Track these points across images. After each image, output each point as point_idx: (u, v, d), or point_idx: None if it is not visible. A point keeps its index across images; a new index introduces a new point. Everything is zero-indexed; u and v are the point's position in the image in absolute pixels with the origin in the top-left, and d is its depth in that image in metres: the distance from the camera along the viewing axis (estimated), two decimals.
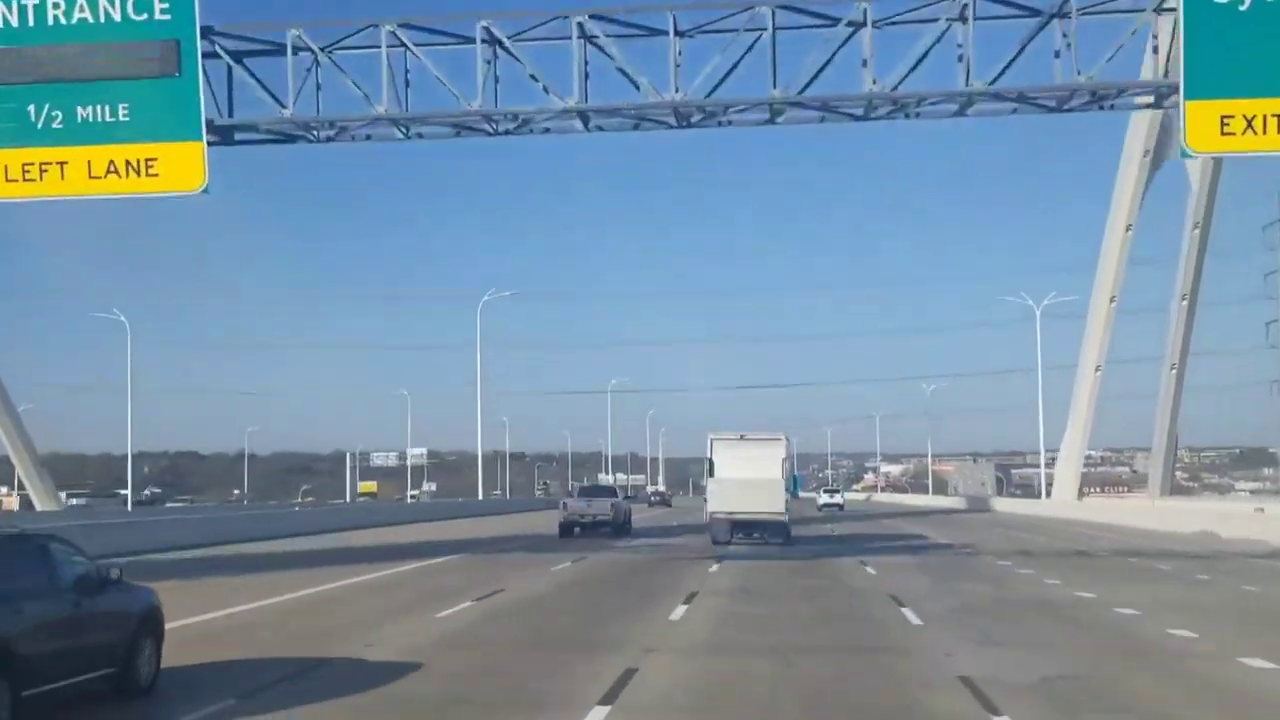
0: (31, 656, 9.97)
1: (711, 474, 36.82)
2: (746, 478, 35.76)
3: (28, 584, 10.41)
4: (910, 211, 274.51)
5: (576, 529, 44.16)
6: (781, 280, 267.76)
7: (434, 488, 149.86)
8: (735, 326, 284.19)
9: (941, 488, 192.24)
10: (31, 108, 26.47)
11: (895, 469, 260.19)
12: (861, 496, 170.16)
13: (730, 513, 36.59)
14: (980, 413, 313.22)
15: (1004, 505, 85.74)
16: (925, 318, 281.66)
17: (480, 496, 71.31)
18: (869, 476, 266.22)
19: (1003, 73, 27.29)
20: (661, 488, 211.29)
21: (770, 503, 36.29)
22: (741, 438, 37.65)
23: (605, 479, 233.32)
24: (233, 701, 11.80)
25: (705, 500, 39.24)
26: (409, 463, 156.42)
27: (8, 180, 26.97)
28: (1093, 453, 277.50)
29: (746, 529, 37.23)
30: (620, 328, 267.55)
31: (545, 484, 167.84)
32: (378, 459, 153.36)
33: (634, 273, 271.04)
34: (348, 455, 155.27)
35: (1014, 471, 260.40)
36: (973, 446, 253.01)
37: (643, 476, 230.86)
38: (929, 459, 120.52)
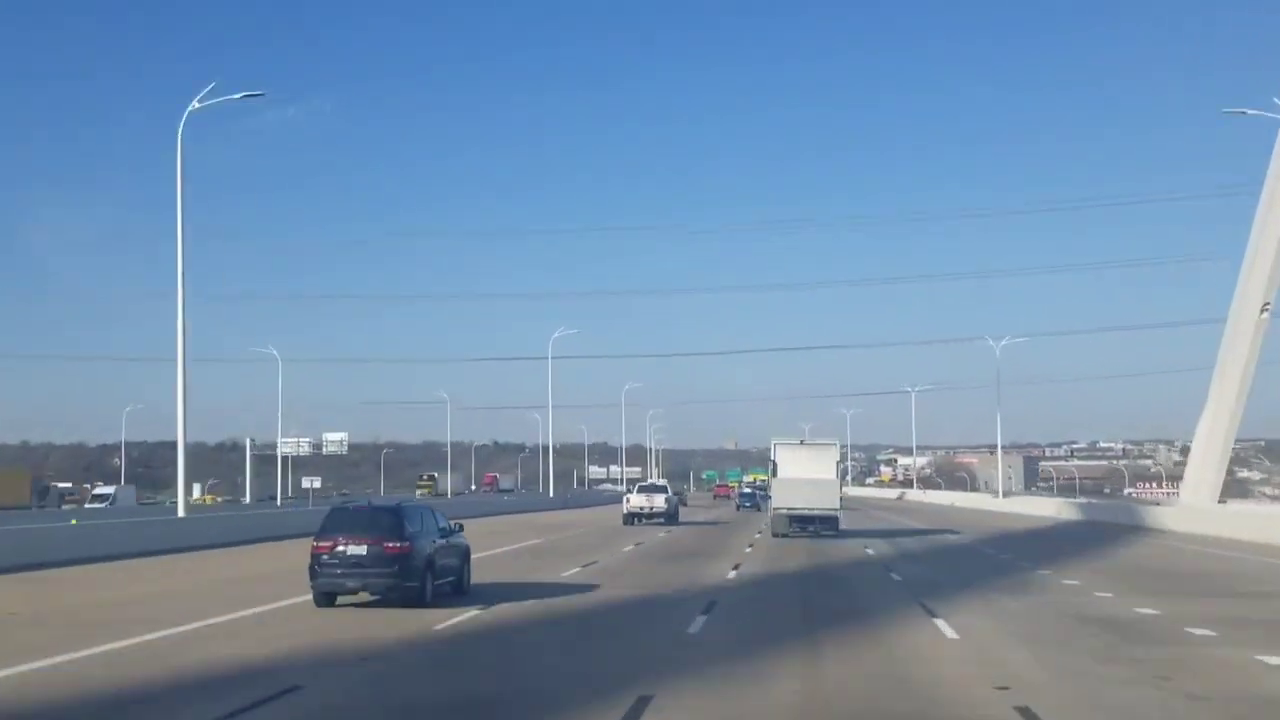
0: (437, 565, 19.89)
1: (774, 474, 41.55)
2: (806, 477, 40.23)
3: (430, 528, 20.30)
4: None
5: (636, 519, 51.50)
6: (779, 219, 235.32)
7: (312, 484, 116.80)
8: (731, 276, 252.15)
9: (960, 484, 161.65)
10: None
11: (912, 462, 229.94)
12: (891, 495, 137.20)
13: (791, 508, 40.70)
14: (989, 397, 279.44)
15: (1172, 519, 50.89)
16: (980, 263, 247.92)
17: (180, 507, 38.50)
18: (885, 469, 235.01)
19: None
20: (659, 481, 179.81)
21: (826, 499, 40.45)
22: (801, 443, 43.70)
23: (598, 473, 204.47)
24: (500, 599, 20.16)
25: (769, 497, 46.10)
26: (325, 450, 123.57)
27: None
28: (1112, 445, 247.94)
29: (803, 522, 40.75)
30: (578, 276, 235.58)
31: (431, 477, 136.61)
32: (286, 447, 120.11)
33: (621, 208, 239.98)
34: (248, 442, 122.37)
35: (1040, 465, 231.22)
36: (980, 439, 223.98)
37: (639, 469, 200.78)
38: (998, 447, 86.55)
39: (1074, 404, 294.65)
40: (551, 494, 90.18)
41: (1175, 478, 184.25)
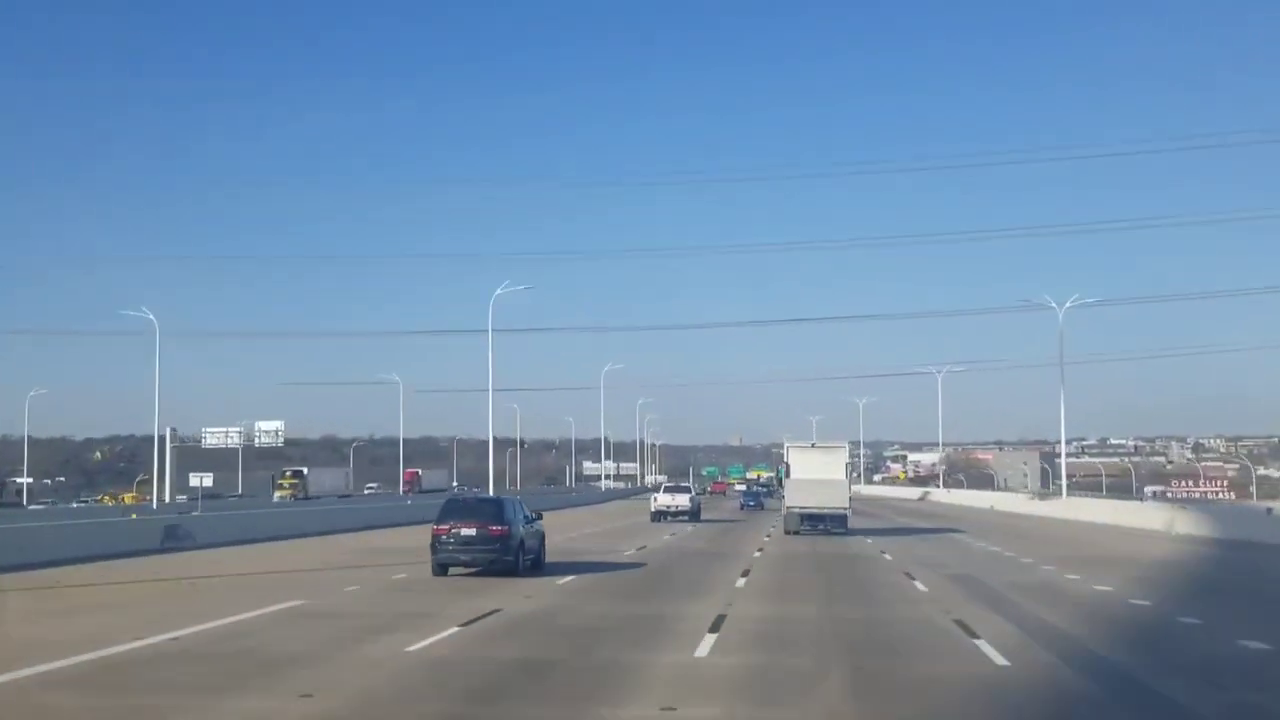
0: (525, 545, 24.57)
1: (788, 475, 42.66)
2: (818, 478, 41.46)
3: (520, 516, 24.75)
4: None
5: (664, 517, 54.49)
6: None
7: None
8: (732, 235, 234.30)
9: (984, 482, 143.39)
10: None
11: (924, 458, 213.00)
12: (908, 494, 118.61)
13: (803, 507, 41.98)
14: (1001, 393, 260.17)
15: None
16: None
17: None
18: (895, 466, 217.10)
19: None
20: (660, 478, 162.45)
21: (836, 498, 41.67)
22: (813, 445, 45.10)
23: (593, 468, 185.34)
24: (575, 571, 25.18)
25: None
26: (257, 442, 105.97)
27: None
28: (1122, 442, 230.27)
29: (814, 520, 41.98)
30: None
31: (297, 474, 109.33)
32: (213, 438, 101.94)
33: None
34: (168, 432, 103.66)
35: (1056, 462, 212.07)
36: (989, 434, 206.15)
37: (634, 464, 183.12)
38: (1062, 433, 65.44)
39: (1082, 401, 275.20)
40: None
41: (1191, 476, 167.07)
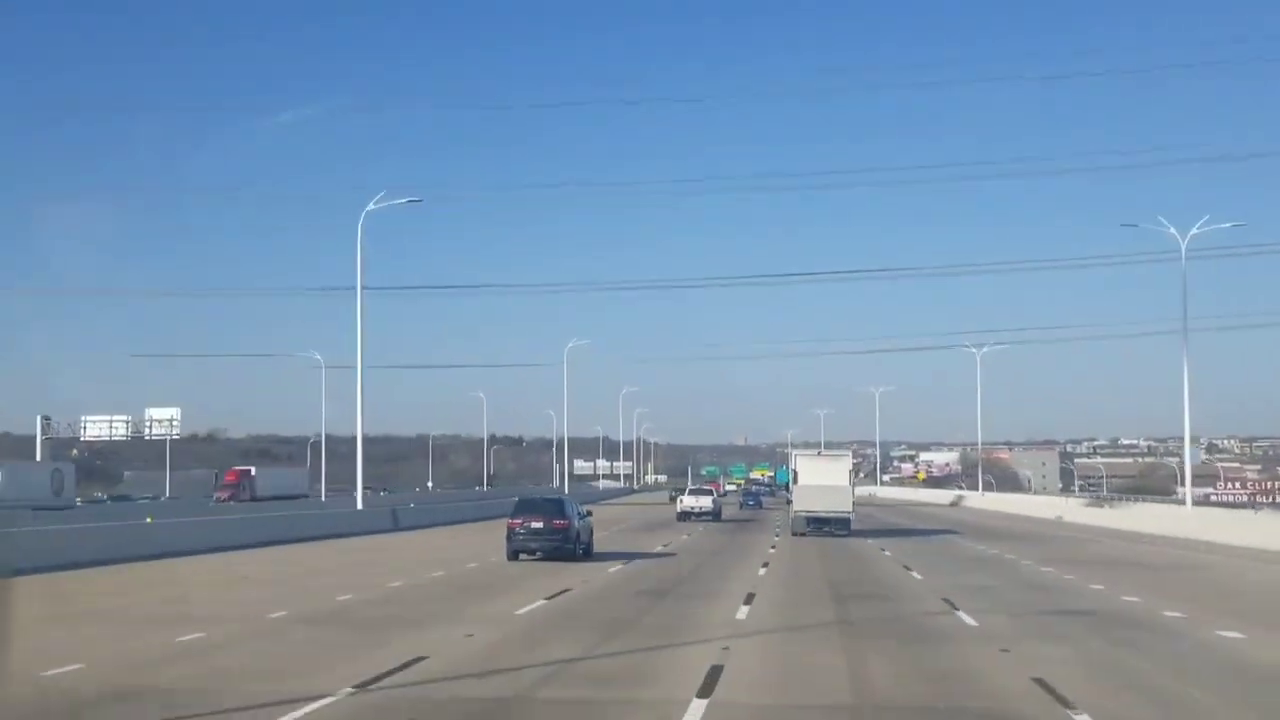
0: (581, 538, 30.75)
1: (795, 481, 45.97)
2: (823, 484, 44.22)
3: (575, 512, 30.94)
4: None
5: (689, 517, 59.23)
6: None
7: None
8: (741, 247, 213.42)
9: (1012, 483, 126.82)
10: None
11: (935, 458, 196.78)
12: (932, 497, 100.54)
13: (810, 511, 44.81)
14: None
15: None
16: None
17: None
18: (906, 467, 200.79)
19: None
20: (659, 477, 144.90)
21: (840, 503, 44.39)
22: (819, 453, 50.77)
23: (584, 467, 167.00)
24: (624, 560, 30.60)
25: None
26: (150, 434, 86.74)
27: None
28: (1134, 442, 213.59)
29: (819, 523, 44.67)
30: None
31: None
32: (95, 428, 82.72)
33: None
34: (39, 422, 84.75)
35: (1077, 462, 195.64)
36: (995, 434, 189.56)
37: (630, 464, 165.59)
38: (1185, 415, 45.83)
39: (1088, 400, 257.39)
40: (361, 503, 50.50)
41: (1213, 477, 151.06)
